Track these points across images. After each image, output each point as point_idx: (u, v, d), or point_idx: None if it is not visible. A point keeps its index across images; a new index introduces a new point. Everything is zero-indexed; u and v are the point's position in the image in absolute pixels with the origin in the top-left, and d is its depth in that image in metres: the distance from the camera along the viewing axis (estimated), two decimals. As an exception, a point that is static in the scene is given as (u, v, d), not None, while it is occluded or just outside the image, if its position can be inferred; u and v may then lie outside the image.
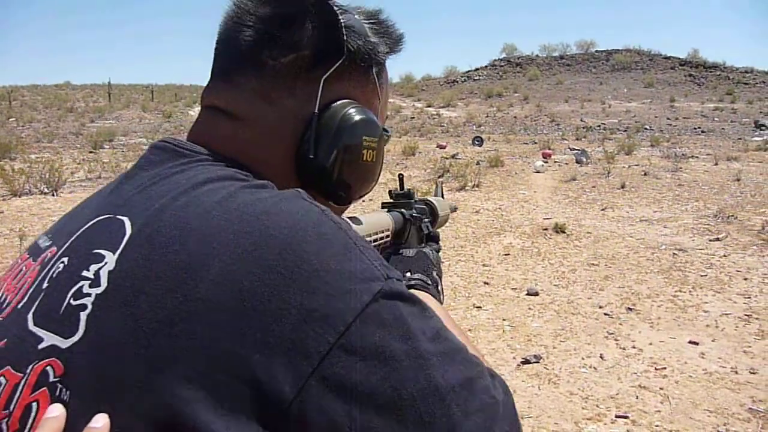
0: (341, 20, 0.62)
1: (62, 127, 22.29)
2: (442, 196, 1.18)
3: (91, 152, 14.62)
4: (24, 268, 0.58)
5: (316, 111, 0.62)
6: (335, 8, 0.63)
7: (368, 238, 0.78)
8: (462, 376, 0.49)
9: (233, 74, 0.63)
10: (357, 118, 0.63)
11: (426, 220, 0.99)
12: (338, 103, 0.63)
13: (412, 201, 0.97)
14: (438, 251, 0.98)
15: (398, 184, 1.01)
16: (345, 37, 0.62)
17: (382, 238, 0.83)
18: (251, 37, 0.61)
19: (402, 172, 1.08)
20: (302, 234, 0.48)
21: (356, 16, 0.65)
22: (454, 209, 1.22)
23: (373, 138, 0.66)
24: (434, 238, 0.99)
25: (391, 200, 0.98)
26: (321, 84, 0.62)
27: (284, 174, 0.62)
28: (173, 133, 20.83)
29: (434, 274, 0.84)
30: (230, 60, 0.63)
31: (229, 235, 0.47)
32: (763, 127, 20.07)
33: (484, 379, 0.51)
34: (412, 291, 0.75)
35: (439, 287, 0.84)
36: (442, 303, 0.83)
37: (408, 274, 0.82)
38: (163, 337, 0.44)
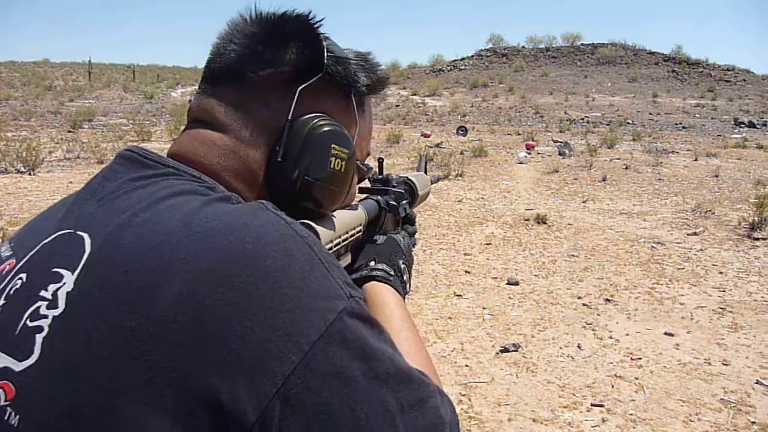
0: (324, 44, 0.65)
1: (40, 106, 21.85)
2: (425, 171, 1.16)
3: (69, 132, 14.35)
4: None
5: (289, 118, 0.64)
6: (320, 33, 0.66)
7: (341, 237, 0.76)
8: (412, 397, 0.49)
9: (216, 86, 0.65)
10: (327, 127, 0.65)
11: (404, 202, 0.97)
12: (311, 114, 0.65)
13: (389, 188, 0.96)
14: (413, 234, 0.97)
15: (377, 168, 0.99)
16: (325, 59, 0.64)
17: (353, 235, 0.81)
18: (236, 52, 0.64)
19: (382, 157, 1.06)
20: (266, 249, 0.46)
21: (340, 49, 0.68)
22: (436, 180, 1.20)
23: (342, 149, 0.68)
24: (410, 220, 0.99)
25: (368, 186, 0.96)
26: (296, 94, 0.64)
27: (255, 183, 0.63)
28: (155, 114, 20.54)
29: (400, 262, 0.83)
30: (215, 74, 0.66)
31: (190, 252, 0.45)
32: (743, 125, 20.37)
33: (434, 399, 0.52)
34: (374, 283, 0.76)
35: (405, 276, 0.83)
36: (407, 292, 0.82)
37: (372, 264, 0.80)
38: (122, 361, 0.42)
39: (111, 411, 0.41)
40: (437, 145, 13.22)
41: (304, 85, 0.64)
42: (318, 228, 0.66)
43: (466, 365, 3.27)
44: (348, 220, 0.77)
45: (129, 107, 23.48)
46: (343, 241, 0.76)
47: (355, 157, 0.71)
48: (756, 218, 6.27)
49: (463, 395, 2.94)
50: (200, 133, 0.64)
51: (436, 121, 20.80)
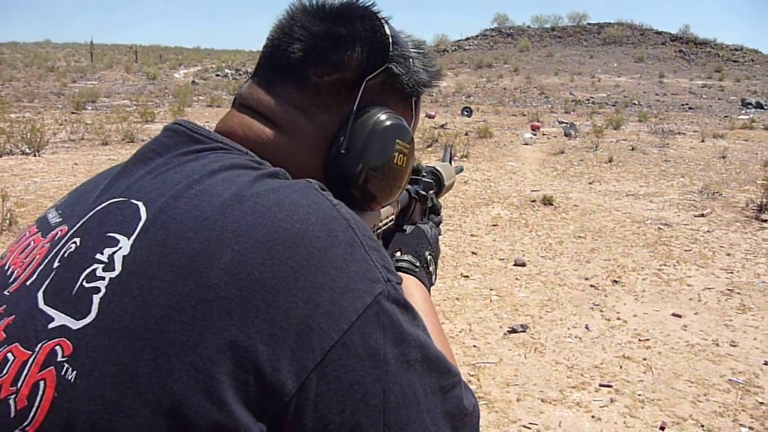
0: (390, 41, 0.64)
1: (43, 87, 21.77)
2: (450, 161, 1.16)
3: (73, 113, 14.31)
4: (32, 242, 0.58)
5: (354, 109, 0.63)
6: (388, 36, 0.64)
7: (376, 225, 0.77)
8: (438, 385, 0.51)
9: (276, 83, 0.64)
10: (391, 121, 0.65)
11: (432, 192, 0.97)
12: (375, 107, 0.65)
13: (420, 177, 0.96)
14: (439, 224, 0.97)
15: None
16: (390, 64, 0.64)
17: (386, 224, 0.82)
18: (300, 51, 0.63)
19: None
20: (312, 229, 0.48)
21: (406, 46, 0.67)
22: (460, 170, 1.20)
23: (405, 144, 0.68)
24: (436, 210, 0.99)
25: None
26: (362, 86, 0.63)
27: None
28: (157, 95, 20.47)
29: (426, 253, 0.83)
30: (275, 69, 0.65)
31: (241, 225, 0.47)
32: (750, 105, 20.19)
33: (458, 389, 0.54)
34: (399, 274, 0.76)
35: (431, 267, 0.83)
36: (432, 284, 0.83)
37: (398, 254, 0.81)
38: (173, 324, 0.44)
39: (163, 371, 0.43)
40: (442, 126, 13.14)
41: (370, 77, 0.63)
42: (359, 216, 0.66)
43: (474, 346, 3.28)
44: (384, 209, 0.77)
45: (132, 88, 23.37)
46: (378, 229, 0.76)
47: (414, 152, 0.71)
48: (764, 200, 6.23)
49: (472, 376, 2.96)
50: (255, 124, 0.64)
51: (441, 102, 20.66)
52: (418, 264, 0.80)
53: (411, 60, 0.67)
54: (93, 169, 7.47)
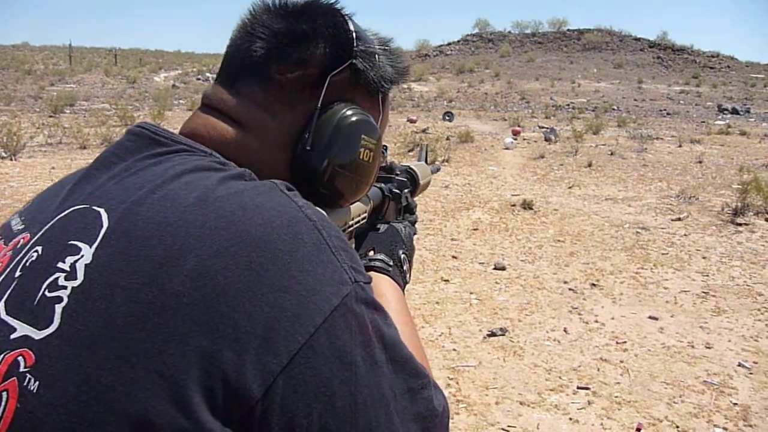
0: (354, 36, 0.64)
1: (20, 90, 21.43)
2: (426, 160, 1.16)
3: (51, 116, 14.10)
4: None
5: (318, 106, 0.63)
6: (351, 31, 0.64)
7: (348, 223, 0.76)
8: (407, 386, 0.51)
9: (239, 83, 0.64)
10: (356, 117, 0.65)
11: (406, 191, 0.97)
12: (340, 103, 0.65)
13: (393, 176, 0.95)
14: (414, 223, 0.97)
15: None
16: (354, 60, 0.64)
17: (358, 222, 0.82)
18: (262, 49, 0.62)
19: (386, 144, 1.06)
20: (277, 232, 0.48)
21: (371, 42, 0.67)
22: (436, 170, 1.20)
23: (371, 139, 0.67)
24: (410, 209, 0.99)
25: None
26: (326, 82, 0.63)
27: (278, 178, 0.62)
28: (137, 99, 20.26)
29: (400, 252, 0.83)
30: (238, 68, 0.64)
31: (205, 230, 0.47)
32: (726, 111, 20.55)
33: (428, 390, 0.54)
34: (373, 273, 0.76)
35: (405, 266, 0.83)
36: (407, 283, 0.82)
37: (371, 254, 0.81)
38: (137, 332, 0.43)
39: (128, 380, 0.42)
40: (424, 131, 13.18)
41: (334, 73, 0.63)
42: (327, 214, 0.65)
43: (454, 349, 3.30)
44: (355, 206, 0.77)
45: (111, 92, 23.11)
46: (348, 227, 0.76)
47: (381, 148, 0.70)
48: (739, 204, 6.35)
49: (451, 379, 2.97)
50: (219, 124, 0.63)
51: (423, 106, 20.72)
52: (391, 263, 0.79)
53: (376, 56, 0.67)
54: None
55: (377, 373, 0.48)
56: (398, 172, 0.98)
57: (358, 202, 0.79)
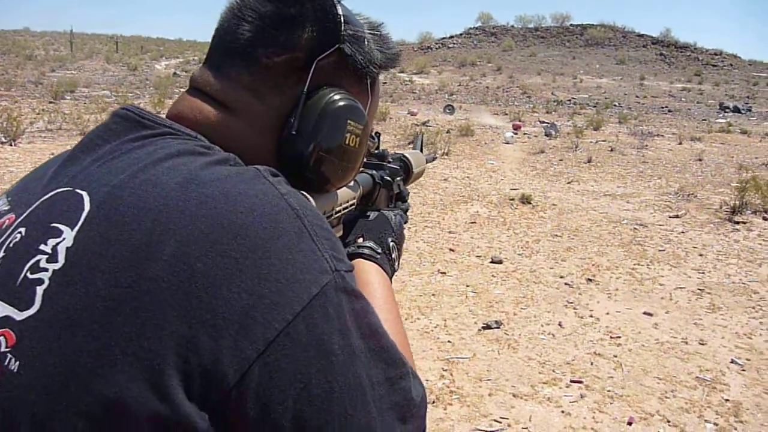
0: (341, 19, 0.63)
1: (21, 75, 21.35)
2: (422, 149, 1.16)
3: (51, 102, 14.06)
4: None
5: (305, 90, 0.62)
6: (339, 15, 0.63)
7: (334, 209, 0.76)
8: (384, 376, 0.51)
9: (226, 66, 0.63)
10: (343, 101, 0.64)
11: (398, 179, 0.97)
12: (326, 88, 0.64)
13: (385, 163, 0.95)
14: (405, 211, 0.97)
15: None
16: (342, 34, 0.63)
17: (346, 208, 0.81)
18: (249, 32, 0.62)
19: (379, 132, 1.05)
20: (258, 220, 0.48)
21: (360, 26, 0.66)
22: (431, 159, 1.19)
23: (357, 124, 0.67)
24: (402, 198, 0.99)
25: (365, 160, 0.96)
26: (313, 67, 0.62)
27: (264, 163, 0.61)
28: (138, 86, 20.21)
29: (389, 240, 0.83)
30: (225, 51, 0.64)
31: (185, 216, 0.47)
32: (727, 110, 20.52)
33: (406, 380, 0.54)
34: (360, 260, 0.76)
35: (394, 254, 0.83)
36: (395, 271, 0.82)
37: (360, 240, 0.80)
38: (116, 315, 0.44)
39: (106, 362, 0.43)
40: (424, 123, 13.17)
41: (320, 57, 0.62)
42: (314, 199, 0.65)
43: (449, 341, 3.31)
44: (343, 192, 0.77)
45: (112, 79, 23.03)
46: (336, 213, 0.76)
47: (368, 133, 0.70)
48: (737, 202, 6.36)
49: (445, 370, 2.98)
50: (205, 107, 0.62)
51: (424, 99, 20.68)
52: (379, 250, 0.79)
53: (365, 40, 0.66)
54: (70, 160, 7.36)
55: (355, 362, 0.49)
56: (390, 160, 0.98)
57: (346, 188, 0.79)
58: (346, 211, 0.80)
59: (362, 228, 0.84)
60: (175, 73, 26.17)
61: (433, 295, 3.96)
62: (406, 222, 0.94)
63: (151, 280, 0.44)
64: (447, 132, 11.57)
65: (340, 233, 0.81)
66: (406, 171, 1.03)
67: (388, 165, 0.95)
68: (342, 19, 0.63)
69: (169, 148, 0.54)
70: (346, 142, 0.66)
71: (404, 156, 1.04)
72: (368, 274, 0.75)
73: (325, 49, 0.63)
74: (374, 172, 0.92)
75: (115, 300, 0.44)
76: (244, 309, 0.44)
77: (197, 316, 0.44)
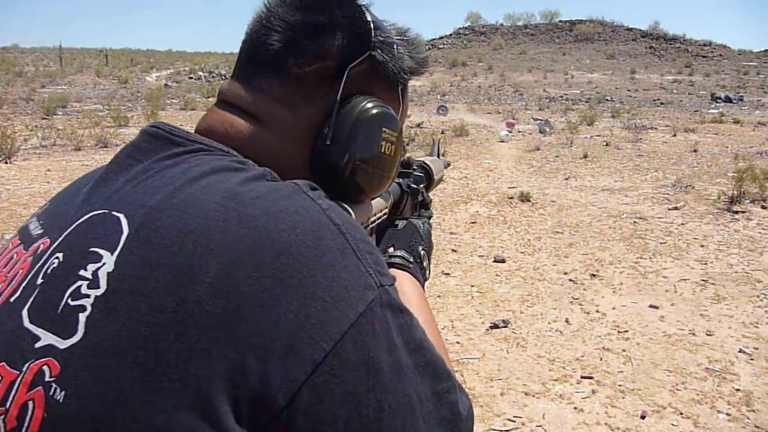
0: (372, 26, 0.62)
1: (11, 92, 21.30)
2: (439, 155, 1.16)
3: (44, 118, 14.02)
4: (15, 255, 0.56)
5: (338, 99, 0.61)
6: (369, 22, 0.63)
7: (371, 219, 0.76)
8: (432, 390, 0.51)
9: (257, 78, 0.62)
10: (377, 109, 0.63)
11: (422, 186, 0.96)
12: (360, 96, 0.63)
13: (411, 171, 0.95)
14: (430, 218, 0.96)
15: None
16: (372, 41, 0.62)
17: (380, 218, 0.81)
18: (279, 42, 0.61)
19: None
20: (301, 238, 0.47)
21: (389, 33, 0.65)
22: (447, 165, 1.20)
23: (392, 132, 0.66)
24: (425, 205, 0.98)
25: None
26: (345, 74, 0.61)
27: (298, 175, 0.60)
28: (130, 99, 20.18)
29: (420, 248, 0.82)
30: (255, 63, 0.63)
31: (228, 237, 0.46)
32: (719, 100, 20.62)
33: (453, 394, 0.53)
34: (393, 270, 0.75)
35: (425, 263, 0.82)
36: (426, 279, 0.82)
37: (391, 250, 0.80)
38: (161, 341, 0.43)
39: (153, 389, 0.42)
40: (418, 125, 13.19)
41: (352, 65, 0.61)
42: (352, 211, 0.64)
43: (458, 342, 3.31)
44: (376, 202, 0.77)
45: (103, 92, 23.01)
46: (370, 223, 0.75)
47: (402, 141, 0.69)
48: (735, 192, 6.38)
49: (456, 371, 2.97)
50: (236, 120, 0.61)
51: (416, 101, 20.72)
52: (411, 260, 0.79)
53: (395, 47, 0.65)
54: (67, 176, 7.35)
55: (403, 378, 0.48)
56: (415, 167, 0.98)
57: (378, 198, 0.78)
58: (379, 221, 0.80)
59: (392, 237, 0.83)
60: (166, 85, 26.16)
61: (439, 296, 3.96)
62: (431, 229, 0.93)
63: (196, 303, 0.43)
64: (441, 133, 11.59)
65: (376, 247, 0.81)
66: (428, 178, 1.03)
67: (413, 173, 0.95)
68: (372, 25, 0.63)
69: (203, 165, 0.53)
70: (382, 150, 0.65)
71: (425, 163, 1.03)
72: (402, 284, 0.73)
73: (357, 56, 0.62)
74: (401, 180, 0.91)
75: (159, 325, 0.43)
76: (291, 330, 0.44)
77: (244, 339, 0.43)
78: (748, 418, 2.61)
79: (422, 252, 0.82)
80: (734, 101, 20.42)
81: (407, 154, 0.95)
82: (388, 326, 0.48)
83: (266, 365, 0.43)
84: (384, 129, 0.65)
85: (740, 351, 3.24)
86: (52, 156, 9.07)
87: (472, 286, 4.16)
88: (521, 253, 4.91)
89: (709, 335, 3.43)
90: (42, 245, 0.54)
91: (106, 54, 41.53)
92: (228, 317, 0.43)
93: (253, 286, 0.44)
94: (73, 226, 0.52)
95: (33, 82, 25.54)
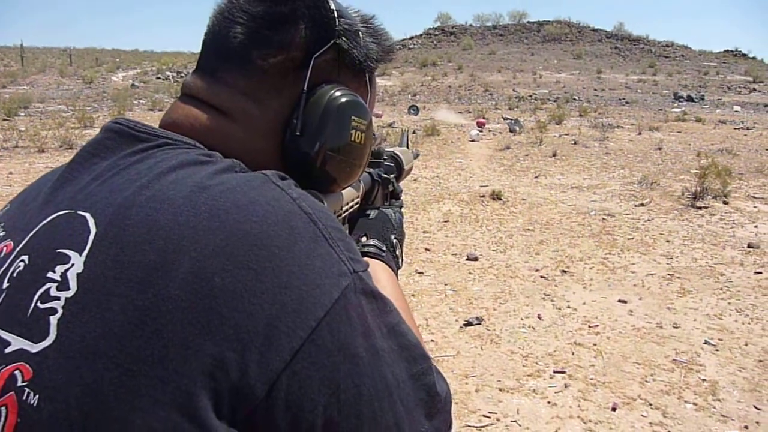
0: (335, 14, 0.62)
1: (-29, 93, 20.67)
2: (407, 146, 1.17)
3: (5, 120, 13.64)
4: None
5: (304, 89, 0.61)
6: (333, 10, 0.62)
7: (342, 209, 0.76)
8: (408, 373, 0.52)
9: (221, 71, 0.61)
10: (345, 98, 0.63)
11: (392, 176, 0.97)
12: (327, 85, 0.63)
13: (381, 161, 0.96)
14: (401, 207, 0.97)
15: None
16: (337, 29, 0.61)
17: (352, 207, 0.82)
18: (242, 35, 0.60)
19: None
20: (273, 228, 0.47)
21: (354, 20, 0.65)
22: (416, 156, 1.21)
23: (362, 120, 0.66)
24: (396, 195, 0.99)
25: None
26: (311, 63, 0.60)
27: (268, 166, 0.59)
28: (95, 99, 19.75)
29: (392, 237, 0.83)
30: (218, 56, 0.62)
31: (198, 231, 0.46)
32: (682, 99, 21.13)
33: (429, 376, 0.54)
34: (366, 259, 0.76)
35: (398, 251, 0.83)
36: (399, 267, 0.83)
37: (363, 239, 0.81)
38: (136, 339, 0.42)
39: (129, 388, 0.42)
40: (390, 125, 13.22)
41: (317, 54, 0.61)
42: (325, 200, 0.65)
43: (432, 340, 3.33)
44: (347, 192, 0.77)
45: (67, 93, 22.44)
46: (344, 213, 0.76)
47: (372, 129, 0.69)
48: (698, 188, 6.55)
49: (431, 369, 3.00)
50: (201, 115, 0.61)
51: (387, 101, 20.74)
52: (384, 248, 0.80)
53: (360, 34, 0.64)
54: (30, 178, 7.16)
55: (380, 362, 0.49)
56: (385, 158, 0.98)
57: (350, 188, 0.79)
58: (351, 210, 0.80)
59: (364, 227, 0.84)
60: (133, 84, 25.65)
61: (413, 295, 3.98)
62: (402, 218, 0.94)
63: (170, 299, 0.43)
64: (413, 132, 11.63)
65: (348, 235, 0.82)
66: (398, 168, 1.04)
67: (384, 162, 0.96)
68: (336, 13, 0.62)
69: (170, 159, 0.52)
70: (352, 138, 0.65)
71: (395, 153, 1.04)
72: (376, 272, 0.74)
73: (322, 45, 0.61)
74: (372, 170, 0.92)
75: (133, 323, 0.43)
76: (268, 320, 0.44)
77: (221, 332, 0.43)
78: (714, 408, 2.69)
79: (395, 240, 0.83)
80: (696, 100, 20.96)
81: (379, 143, 0.96)
82: (363, 311, 0.49)
83: (244, 357, 0.43)
84: (353, 117, 0.64)
85: (705, 342, 3.33)
86: (14, 158, 8.83)
87: (446, 284, 4.19)
88: (493, 251, 4.97)
89: (676, 328, 3.52)
90: (5, 248, 0.53)
91: (69, 53, 40.55)
92: (203, 311, 0.43)
93: (226, 279, 0.44)
94: (37, 228, 0.51)
95: (-7, 83, 24.78)
